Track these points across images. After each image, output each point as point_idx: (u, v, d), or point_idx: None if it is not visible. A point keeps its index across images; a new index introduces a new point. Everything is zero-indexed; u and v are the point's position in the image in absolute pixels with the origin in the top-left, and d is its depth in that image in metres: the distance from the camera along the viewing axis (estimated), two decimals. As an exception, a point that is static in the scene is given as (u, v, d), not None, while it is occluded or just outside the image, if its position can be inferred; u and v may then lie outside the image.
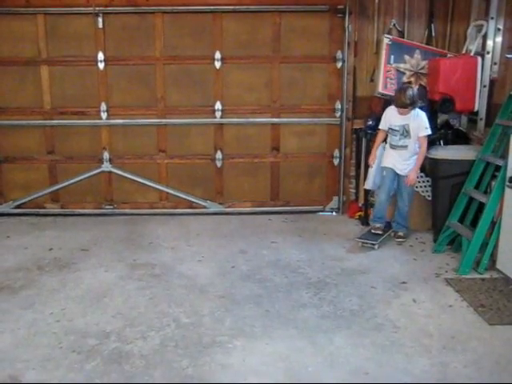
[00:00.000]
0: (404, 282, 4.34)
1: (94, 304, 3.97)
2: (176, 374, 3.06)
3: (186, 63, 6.02)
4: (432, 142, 5.51)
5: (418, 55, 5.72)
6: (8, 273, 4.54)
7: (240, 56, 6.00)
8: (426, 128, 5.04)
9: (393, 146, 5.17)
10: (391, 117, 5.15)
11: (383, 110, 5.70)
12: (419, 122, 5.04)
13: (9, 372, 3.08)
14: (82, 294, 4.15)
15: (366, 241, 5.13)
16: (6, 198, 6.28)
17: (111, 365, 3.16)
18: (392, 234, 5.38)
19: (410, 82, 5.74)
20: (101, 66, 5.99)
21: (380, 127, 5.29)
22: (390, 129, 5.16)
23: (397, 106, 5.03)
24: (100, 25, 5.87)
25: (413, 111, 5.02)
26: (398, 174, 5.21)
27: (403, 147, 5.12)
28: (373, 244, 5.10)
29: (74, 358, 3.24)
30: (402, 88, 5.16)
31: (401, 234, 5.32)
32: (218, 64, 5.99)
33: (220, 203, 6.34)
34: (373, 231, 5.25)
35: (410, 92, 4.95)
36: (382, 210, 5.32)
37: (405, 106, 4.95)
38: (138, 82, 6.08)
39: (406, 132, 5.07)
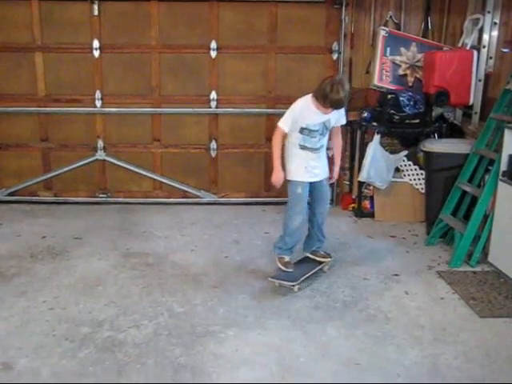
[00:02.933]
0: (396, 274, 4.36)
1: (87, 292, 3.97)
2: (169, 363, 3.07)
3: (181, 52, 5.99)
4: (427, 135, 5.54)
5: (414, 48, 5.72)
6: (0, 260, 4.53)
7: (236, 46, 5.97)
8: (344, 115, 4.13)
9: (310, 149, 4.01)
10: (308, 115, 3.91)
11: (378, 102, 5.73)
12: (340, 110, 4.02)
13: (1, 359, 3.08)
14: (75, 282, 4.15)
15: (282, 282, 4.01)
16: (-1, 185, 6.27)
17: (104, 353, 3.17)
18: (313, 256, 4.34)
19: (405, 75, 5.76)
20: (96, 53, 5.94)
21: (285, 128, 3.95)
22: (304, 129, 3.94)
23: (332, 107, 3.82)
24: (95, 12, 5.82)
25: None
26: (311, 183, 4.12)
27: (322, 147, 4.09)
28: (292, 285, 3.98)
29: (67, 345, 3.25)
30: (335, 82, 3.73)
31: (323, 252, 4.36)
32: (213, 53, 5.97)
33: (214, 193, 6.33)
34: (284, 269, 4.08)
35: (347, 86, 3.77)
36: (297, 238, 4.22)
37: (343, 106, 3.88)
38: (133, 71, 6.04)
39: (325, 129, 4.01)
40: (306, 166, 4.03)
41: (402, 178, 5.66)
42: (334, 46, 5.99)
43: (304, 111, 3.91)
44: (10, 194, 6.24)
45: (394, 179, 5.58)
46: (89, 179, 6.28)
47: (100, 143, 6.17)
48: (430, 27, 5.89)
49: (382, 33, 5.69)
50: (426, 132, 5.54)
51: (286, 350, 3.24)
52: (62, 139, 6.17)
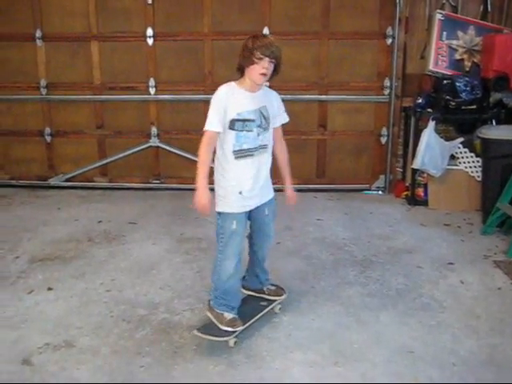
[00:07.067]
0: (451, 263, 4.28)
1: (142, 276, 4.06)
2: (224, 345, 3.10)
3: (234, 39, 5.97)
4: (484, 121, 5.39)
5: (471, 31, 5.56)
6: (60, 243, 4.68)
7: (288, 32, 5.93)
8: (284, 110, 3.26)
9: (249, 153, 3.04)
10: (237, 98, 2.96)
11: (434, 88, 5.61)
12: (277, 100, 3.23)
13: (64, 337, 3.20)
14: (130, 265, 4.25)
15: (212, 338, 3.08)
16: (57, 171, 6.46)
17: (160, 335, 3.24)
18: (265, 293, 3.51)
19: (462, 60, 5.61)
20: (150, 41, 6.04)
21: (214, 127, 2.93)
22: (236, 120, 2.94)
23: (266, 55, 2.88)
24: (149, 0, 5.91)
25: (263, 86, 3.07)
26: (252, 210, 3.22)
27: (264, 149, 3.10)
28: (226, 340, 3.08)
29: (125, 326, 3.34)
30: (256, 35, 2.99)
31: (273, 288, 3.53)
32: (265, 40, 5.95)
33: (265, 180, 6.34)
34: (230, 329, 3.07)
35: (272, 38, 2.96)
36: (238, 291, 3.26)
37: (276, 50, 2.92)
38: (186, 58, 6.11)
39: (265, 121, 3.04)
40: (241, 190, 3.09)
41: (457, 165, 5.53)
42: (388, 30, 5.88)
43: (230, 95, 2.95)
44: (67, 180, 6.44)
45: (448, 167, 5.46)
46: (143, 165, 6.40)
47: (154, 130, 6.27)
48: (489, 9, 5.70)
49: (438, 16, 5.55)
50: (484, 118, 5.39)
51: (339, 336, 3.24)
52: (116, 126, 6.31)
